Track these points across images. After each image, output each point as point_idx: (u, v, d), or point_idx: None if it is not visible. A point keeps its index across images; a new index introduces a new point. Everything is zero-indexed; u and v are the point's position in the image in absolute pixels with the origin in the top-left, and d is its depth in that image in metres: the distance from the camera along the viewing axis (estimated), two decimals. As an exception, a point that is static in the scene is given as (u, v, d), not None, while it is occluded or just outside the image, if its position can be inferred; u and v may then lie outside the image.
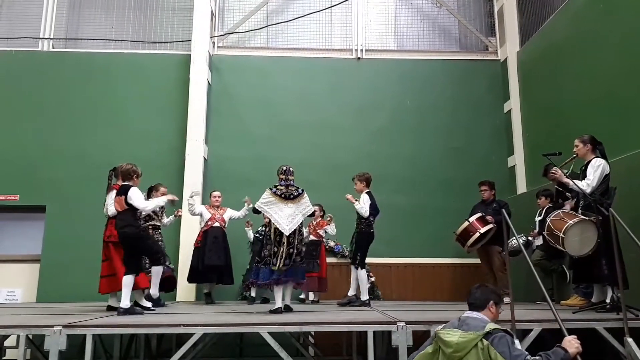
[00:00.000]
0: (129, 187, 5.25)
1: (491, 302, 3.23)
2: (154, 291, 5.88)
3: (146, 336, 6.20)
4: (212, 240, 7.18)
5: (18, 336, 5.17)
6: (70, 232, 7.92)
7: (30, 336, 4.84)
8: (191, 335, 4.18)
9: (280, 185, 5.37)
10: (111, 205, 5.39)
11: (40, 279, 7.94)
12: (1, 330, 4.29)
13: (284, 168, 5.46)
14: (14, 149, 8.38)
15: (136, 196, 5.19)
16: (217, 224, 7.29)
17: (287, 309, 5.41)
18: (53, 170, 8.30)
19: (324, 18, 9.53)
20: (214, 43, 9.25)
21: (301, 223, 5.38)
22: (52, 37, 9.09)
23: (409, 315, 4.57)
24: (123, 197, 5.18)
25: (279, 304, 5.17)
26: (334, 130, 8.87)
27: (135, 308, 5.15)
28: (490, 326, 3.01)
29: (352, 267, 6.31)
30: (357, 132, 8.90)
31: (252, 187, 7.98)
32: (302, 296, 7.64)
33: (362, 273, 6.14)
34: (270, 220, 5.34)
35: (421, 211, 8.44)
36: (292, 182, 5.42)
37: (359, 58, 9.32)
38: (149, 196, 6.73)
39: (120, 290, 5.12)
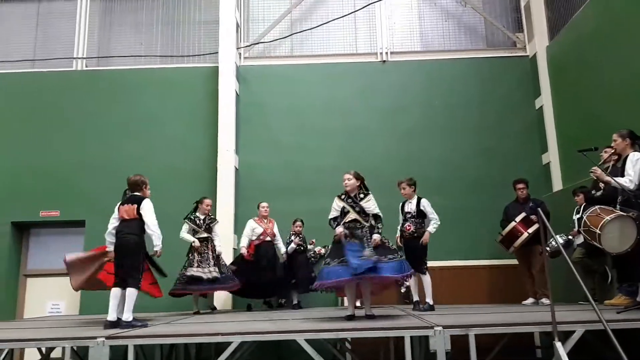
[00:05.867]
0: (142, 198, 5.24)
1: None
2: (128, 315, 5.01)
3: (185, 345, 6.30)
4: (262, 258, 7.33)
5: (63, 348, 5.32)
6: (109, 245, 8.10)
7: (75, 348, 5.00)
8: (229, 343, 4.24)
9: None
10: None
11: (82, 292, 8.14)
12: (48, 343, 4.45)
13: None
14: (54, 166, 8.67)
15: (150, 209, 5.15)
16: (268, 239, 7.48)
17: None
18: (91, 185, 8.54)
19: (347, 23, 9.54)
20: (240, 54, 9.39)
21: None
22: (85, 56, 9.40)
23: (446, 320, 4.52)
24: (135, 205, 5.14)
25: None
26: (362, 135, 8.86)
27: (137, 321, 5.05)
28: None
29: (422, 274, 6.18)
30: (386, 135, 8.86)
31: (283, 194, 8.12)
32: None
33: (427, 278, 6.07)
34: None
35: (454, 213, 8.29)
36: None
37: (384, 61, 9.30)
38: (195, 209, 7.17)
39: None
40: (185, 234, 7.06)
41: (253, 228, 7.48)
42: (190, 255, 7.02)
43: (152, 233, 5.13)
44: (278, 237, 7.66)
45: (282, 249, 7.66)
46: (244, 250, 7.34)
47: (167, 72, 9.25)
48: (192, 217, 7.19)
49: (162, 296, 6.22)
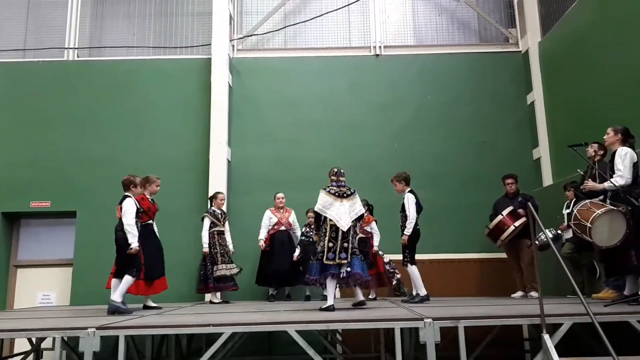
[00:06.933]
0: (126, 197, 5.57)
1: None
2: (117, 296, 5.48)
3: (177, 336, 6.31)
4: (279, 245, 7.50)
5: (54, 338, 5.29)
6: (100, 236, 8.01)
7: (66, 338, 4.96)
8: (220, 334, 4.26)
9: (332, 185, 5.54)
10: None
11: (73, 282, 8.14)
12: (38, 333, 4.44)
13: (335, 170, 5.63)
14: (44, 156, 8.60)
15: (127, 209, 5.46)
16: (283, 228, 7.63)
17: (361, 303, 5.48)
18: (82, 176, 8.50)
19: (341, 16, 9.53)
20: (233, 46, 9.34)
21: (354, 221, 5.46)
22: (76, 46, 9.30)
23: (436, 312, 4.55)
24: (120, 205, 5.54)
25: (331, 301, 5.19)
26: (355, 128, 8.87)
27: (124, 304, 5.45)
28: None
29: (404, 266, 6.24)
30: (379, 129, 8.89)
31: (275, 187, 8.11)
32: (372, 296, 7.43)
33: (413, 269, 6.09)
34: (323, 220, 5.40)
35: (446, 207, 8.37)
36: (343, 182, 5.60)
37: (377, 55, 9.29)
38: (210, 204, 7.46)
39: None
40: (205, 232, 7.20)
41: (269, 218, 7.68)
42: (213, 250, 7.19)
43: (127, 232, 5.45)
44: (296, 226, 7.83)
45: (299, 238, 7.79)
46: (261, 243, 7.53)
47: (159, 63, 9.18)
48: (211, 211, 7.35)
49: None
